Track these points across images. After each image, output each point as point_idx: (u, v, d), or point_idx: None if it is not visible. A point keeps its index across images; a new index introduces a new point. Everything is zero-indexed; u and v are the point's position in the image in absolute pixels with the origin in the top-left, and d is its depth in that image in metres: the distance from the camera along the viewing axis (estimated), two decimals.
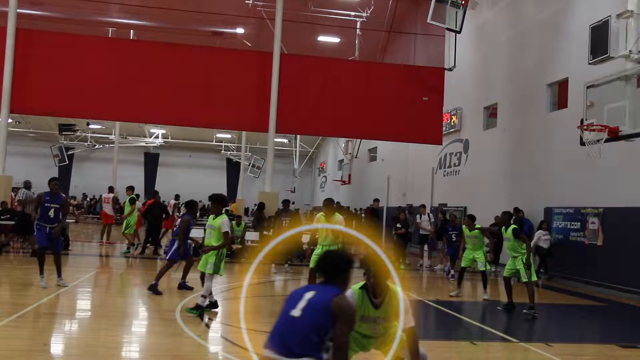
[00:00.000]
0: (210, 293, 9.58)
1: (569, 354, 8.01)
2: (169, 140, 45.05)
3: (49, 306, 9.50)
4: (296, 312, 3.80)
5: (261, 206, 18.91)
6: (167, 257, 11.56)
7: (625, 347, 8.68)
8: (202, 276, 9.72)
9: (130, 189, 19.28)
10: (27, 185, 17.59)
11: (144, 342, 7.85)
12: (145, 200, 25.97)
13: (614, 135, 11.42)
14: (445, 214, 21.05)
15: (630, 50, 11.47)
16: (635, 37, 11.41)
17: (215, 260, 9.48)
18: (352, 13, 25.71)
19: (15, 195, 18.94)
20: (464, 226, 13.54)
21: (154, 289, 11.07)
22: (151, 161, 48.76)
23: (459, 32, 19.28)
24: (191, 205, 12.21)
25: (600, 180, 15.31)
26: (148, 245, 18.70)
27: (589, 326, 11.44)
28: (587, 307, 13.14)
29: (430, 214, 20.85)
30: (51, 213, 10.82)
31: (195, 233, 14.61)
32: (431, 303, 12.19)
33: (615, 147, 12.48)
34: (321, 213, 10.55)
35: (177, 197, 25.11)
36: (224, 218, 9.59)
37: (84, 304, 10.56)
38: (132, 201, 18.57)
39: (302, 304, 3.84)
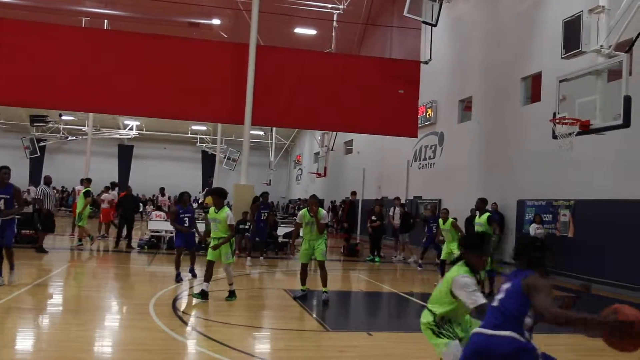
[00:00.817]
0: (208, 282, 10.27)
1: (540, 345, 8.10)
2: (144, 132, 44.62)
3: (18, 301, 9.37)
4: (495, 303, 4.26)
5: (256, 200, 18.84)
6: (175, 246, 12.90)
7: (594, 337, 8.81)
8: (210, 265, 10.31)
9: (87, 181, 18.86)
10: (47, 180, 17.21)
11: (116, 337, 7.78)
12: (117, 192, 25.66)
13: (585, 128, 11.57)
14: (405, 207, 20.99)
15: (601, 45, 11.59)
16: (606, 32, 11.54)
17: (230, 251, 10.30)
18: (329, 5, 25.64)
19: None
20: (440, 219, 13.74)
21: (192, 273, 12.60)
22: (125, 153, 48.24)
23: (435, 26, 19.36)
24: (180, 196, 13.26)
25: (572, 173, 15.53)
26: (122, 238, 18.55)
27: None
28: (557, 298, 13.32)
29: (404, 207, 20.96)
30: (1, 205, 10.11)
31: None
32: (405, 295, 12.27)
33: (587, 140, 12.67)
34: (305, 209, 10.86)
35: (162, 191, 25.45)
36: (227, 211, 10.28)
37: (54, 299, 10.42)
38: (87, 194, 18.16)
39: (499, 295, 4.27)
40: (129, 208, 18.86)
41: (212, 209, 10.53)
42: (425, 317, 5.12)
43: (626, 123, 10.73)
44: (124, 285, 12.32)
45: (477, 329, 4.29)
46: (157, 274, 14.14)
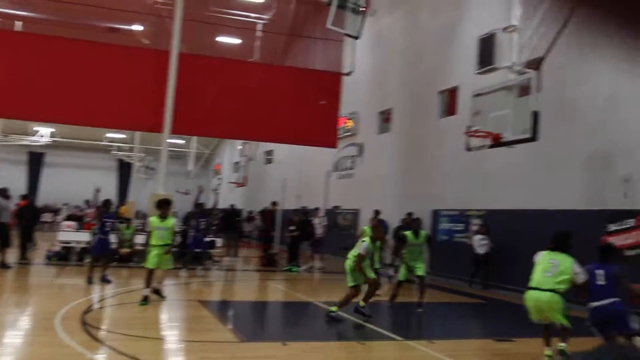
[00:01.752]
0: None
1: (450, 350, 8.36)
2: (58, 139, 43.08)
3: None
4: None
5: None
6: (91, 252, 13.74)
7: (501, 341, 9.18)
8: (150, 272, 10.97)
9: None
10: (4, 193, 16.13)
11: (18, 354, 7.37)
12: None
13: (497, 141, 12.04)
14: (307, 214, 20.71)
15: (513, 62, 12.12)
16: (518, 50, 12.09)
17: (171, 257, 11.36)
18: (254, 15, 25.61)
19: None
20: (408, 232, 13.86)
21: (106, 280, 13.04)
22: (35, 161, 46.30)
23: (358, 38, 19.64)
24: (105, 202, 13.99)
25: (484, 184, 16.12)
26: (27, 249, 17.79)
27: (469, 323, 11.96)
28: (468, 304, 13.75)
29: (324, 217, 21.06)
30: None
31: None
32: (321, 304, 12.33)
33: (498, 153, 13.18)
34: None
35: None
36: (174, 219, 11.27)
37: None
38: None
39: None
40: (29, 218, 18.17)
41: (155, 218, 11.18)
42: (555, 298, 7.45)
43: (534, 137, 11.26)
44: (28, 299, 11.75)
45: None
46: (66, 287, 13.63)
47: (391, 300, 12.09)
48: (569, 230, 8.09)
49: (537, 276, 7.70)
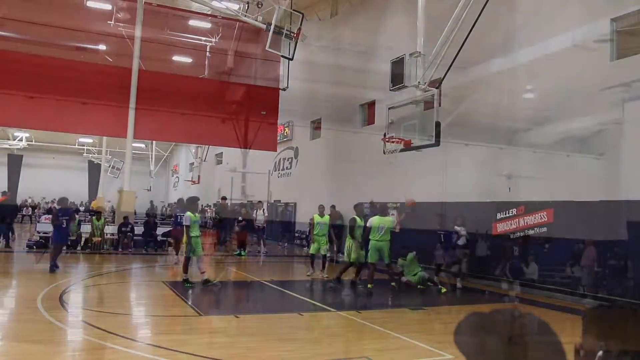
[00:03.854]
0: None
1: (374, 318, 8.49)
2: (33, 143, 41.10)
3: None
4: None
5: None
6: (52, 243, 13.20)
7: (414, 310, 9.41)
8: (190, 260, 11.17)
9: None
10: None
11: (4, 330, 7.08)
12: None
13: (408, 146, 12.27)
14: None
15: (419, 82, 12.35)
16: (422, 72, 12.33)
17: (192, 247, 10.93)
18: (203, 38, 25.19)
19: None
20: (316, 214, 13.82)
21: (51, 268, 11.97)
22: (14, 162, 43.96)
23: (292, 60, 19.61)
24: (60, 200, 13.26)
25: (397, 181, 16.43)
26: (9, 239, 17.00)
27: (389, 296, 12.18)
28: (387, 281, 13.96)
29: (265, 209, 20.95)
30: None
31: None
32: (266, 283, 12.32)
33: (408, 155, 13.45)
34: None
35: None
36: (187, 214, 11.00)
37: None
38: None
39: None
40: (8, 212, 17.44)
41: (191, 214, 10.87)
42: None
43: (437, 142, 11.53)
44: (13, 282, 11.26)
45: None
46: (45, 271, 13.05)
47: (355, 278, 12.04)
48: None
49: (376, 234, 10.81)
